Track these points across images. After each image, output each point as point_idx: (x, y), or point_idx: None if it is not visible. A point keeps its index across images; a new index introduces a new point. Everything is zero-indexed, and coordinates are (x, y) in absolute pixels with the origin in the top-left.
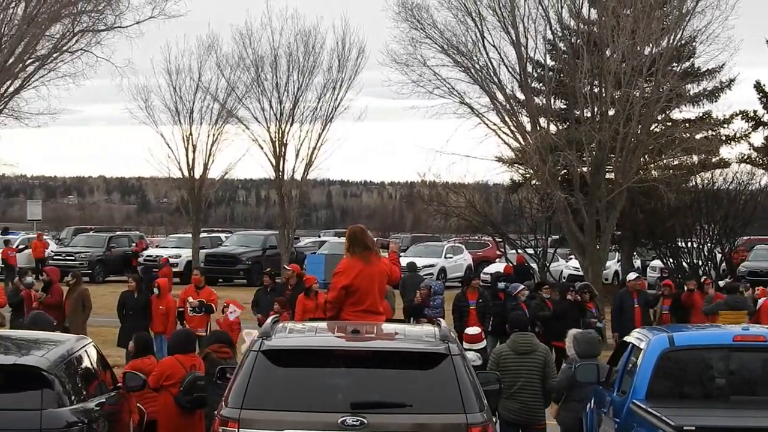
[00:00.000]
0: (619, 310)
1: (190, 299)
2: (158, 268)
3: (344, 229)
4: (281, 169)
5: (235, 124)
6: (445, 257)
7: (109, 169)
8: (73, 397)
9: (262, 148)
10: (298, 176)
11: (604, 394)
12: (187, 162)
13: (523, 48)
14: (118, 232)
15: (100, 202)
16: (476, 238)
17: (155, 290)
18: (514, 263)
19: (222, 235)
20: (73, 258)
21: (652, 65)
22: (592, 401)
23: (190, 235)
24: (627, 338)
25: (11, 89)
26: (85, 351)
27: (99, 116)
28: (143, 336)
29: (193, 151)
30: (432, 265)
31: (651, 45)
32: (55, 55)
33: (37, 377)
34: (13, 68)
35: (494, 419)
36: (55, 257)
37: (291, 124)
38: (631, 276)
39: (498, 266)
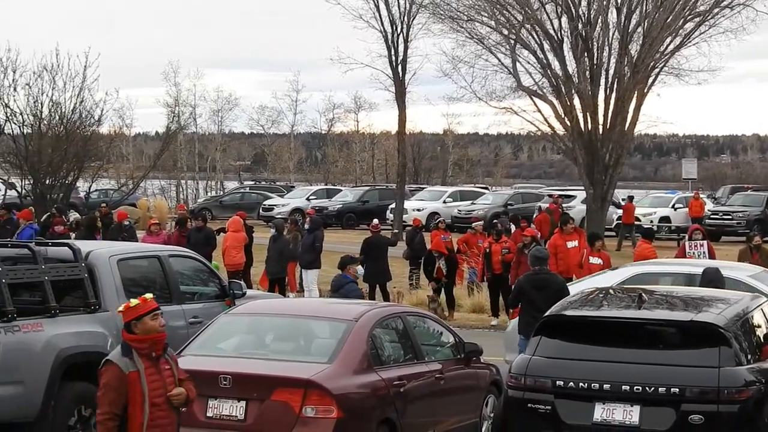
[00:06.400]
0: None
1: None
2: None
3: None
4: None
5: None
6: None
7: (764, 127)
8: (749, 356)
9: None
10: None
11: None
12: None
13: None
14: None
15: (755, 161)
16: None
17: None
18: None
19: None
20: (729, 217)
21: None
22: None
23: None
24: None
25: (671, 46)
26: (761, 310)
27: (752, 73)
28: None
29: None
30: None
31: None
32: (715, 11)
33: (713, 334)
34: (674, 25)
35: None
36: (711, 216)
37: None
38: None
39: None
